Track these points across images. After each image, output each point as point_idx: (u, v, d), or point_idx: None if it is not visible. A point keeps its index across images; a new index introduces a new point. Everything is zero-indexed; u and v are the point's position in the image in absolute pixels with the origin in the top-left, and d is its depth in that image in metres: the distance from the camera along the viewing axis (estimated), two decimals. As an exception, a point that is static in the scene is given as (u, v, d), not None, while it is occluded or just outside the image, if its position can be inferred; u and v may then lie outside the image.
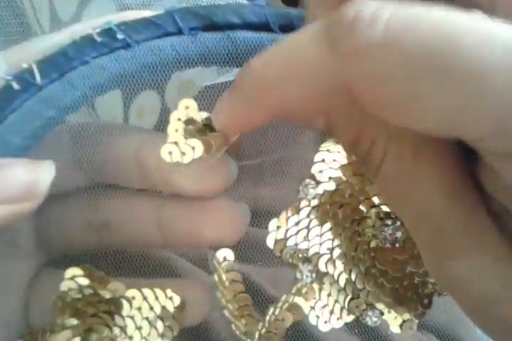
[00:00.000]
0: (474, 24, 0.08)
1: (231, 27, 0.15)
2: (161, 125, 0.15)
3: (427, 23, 0.08)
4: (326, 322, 0.16)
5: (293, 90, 0.09)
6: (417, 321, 0.16)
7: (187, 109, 0.14)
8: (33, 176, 0.13)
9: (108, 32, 0.14)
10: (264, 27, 0.15)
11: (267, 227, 0.15)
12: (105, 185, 0.15)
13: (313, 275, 0.15)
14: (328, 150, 0.16)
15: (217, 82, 0.15)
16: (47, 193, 0.13)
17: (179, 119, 0.14)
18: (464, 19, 0.08)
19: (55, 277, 0.15)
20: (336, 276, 0.16)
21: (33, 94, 0.14)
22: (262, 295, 0.16)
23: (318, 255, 0.15)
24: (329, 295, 0.16)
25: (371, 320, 0.16)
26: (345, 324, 0.17)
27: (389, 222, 0.15)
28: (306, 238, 0.15)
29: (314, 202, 0.15)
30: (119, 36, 0.14)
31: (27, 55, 0.14)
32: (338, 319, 0.16)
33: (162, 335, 0.14)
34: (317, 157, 0.15)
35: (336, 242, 0.16)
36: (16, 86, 0.14)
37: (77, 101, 0.14)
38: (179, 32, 0.15)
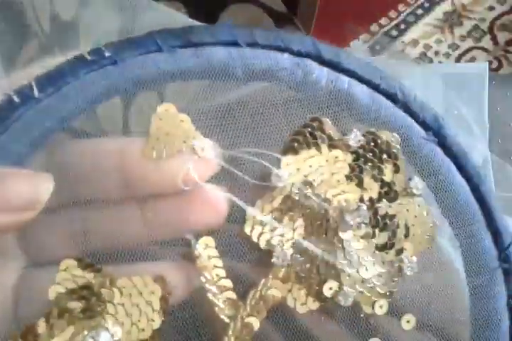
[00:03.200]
0: None
1: (205, 44, 0.17)
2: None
3: None
4: (302, 304, 0.17)
5: None
6: (388, 300, 0.18)
7: (166, 111, 0.16)
8: (34, 188, 0.14)
9: (97, 51, 0.16)
10: (233, 43, 0.18)
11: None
12: (81, 201, 0.16)
13: (289, 259, 0.17)
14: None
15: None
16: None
17: (161, 119, 0.16)
18: None
19: (42, 274, 0.16)
20: (309, 260, 0.17)
21: (32, 106, 0.16)
22: (244, 287, 0.17)
23: (293, 240, 0.17)
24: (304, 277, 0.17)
25: (344, 300, 0.17)
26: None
27: (353, 208, 0.17)
28: (280, 224, 0.17)
29: (286, 191, 0.17)
30: (107, 54, 0.16)
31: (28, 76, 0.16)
32: (313, 301, 0.17)
33: (152, 320, 0.16)
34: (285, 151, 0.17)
35: (309, 228, 0.17)
36: (16, 99, 0.16)
37: (71, 112, 0.16)
38: (159, 50, 0.17)
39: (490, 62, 0.54)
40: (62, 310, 0.15)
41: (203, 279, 0.16)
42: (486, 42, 0.56)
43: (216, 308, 0.16)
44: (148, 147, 0.15)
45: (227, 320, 0.16)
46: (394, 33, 0.55)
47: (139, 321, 0.16)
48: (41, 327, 0.15)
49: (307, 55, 0.18)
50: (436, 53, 0.55)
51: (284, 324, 0.17)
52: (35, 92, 0.16)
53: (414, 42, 0.55)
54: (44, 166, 0.16)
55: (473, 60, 0.55)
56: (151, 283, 0.16)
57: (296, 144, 0.17)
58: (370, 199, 0.18)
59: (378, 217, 0.18)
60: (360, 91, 0.18)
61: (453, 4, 0.55)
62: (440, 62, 0.53)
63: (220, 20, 0.48)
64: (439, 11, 0.56)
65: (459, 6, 0.55)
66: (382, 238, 0.18)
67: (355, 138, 0.18)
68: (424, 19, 0.56)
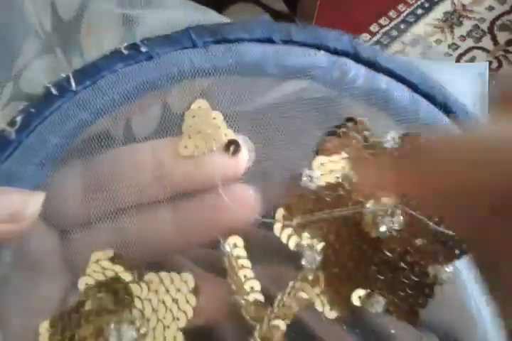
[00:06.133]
0: None
1: (239, 41, 0.17)
2: (163, 127, 0.17)
3: None
4: (331, 309, 0.16)
5: None
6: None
7: (199, 108, 0.16)
8: (23, 202, 0.14)
9: (133, 46, 0.17)
10: (267, 40, 0.17)
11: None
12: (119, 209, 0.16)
13: (318, 262, 0.16)
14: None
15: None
16: (35, 219, 0.14)
17: (194, 117, 0.15)
18: None
19: None
20: (340, 264, 0.17)
21: (69, 98, 0.16)
22: (272, 289, 0.17)
23: (323, 243, 0.16)
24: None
25: (376, 308, 0.16)
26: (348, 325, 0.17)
27: (386, 212, 0.17)
28: (311, 226, 0.16)
29: (317, 193, 0.16)
30: (143, 49, 0.16)
31: None
32: (343, 307, 0.16)
33: (177, 319, 0.15)
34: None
35: (341, 232, 0.17)
36: (54, 91, 0.16)
37: (106, 105, 0.16)
38: (194, 46, 0.17)
39: (490, 62, 0.53)
40: (91, 302, 0.15)
41: (229, 280, 0.16)
42: (486, 42, 0.54)
43: (242, 310, 0.16)
44: (180, 145, 0.15)
45: (253, 322, 0.16)
46: (394, 33, 0.55)
47: (164, 318, 0.15)
48: (70, 317, 0.15)
49: (344, 53, 0.18)
50: (437, 53, 0.54)
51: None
52: (73, 85, 0.16)
53: (414, 43, 0.54)
54: (80, 175, 0.16)
55: (473, 60, 0.54)
56: (177, 280, 0.15)
57: (329, 145, 0.17)
58: (405, 204, 0.17)
59: (414, 221, 0.17)
60: (399, 91, 0.18)
61: (453, 4, 0.53)
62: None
63: (220, 20, 0.48)
64: (439, 11, 0.55)
65: (459, 6, 0.54)
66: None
67: (392, 140, 0.17)
68: (424, 19, 0.55)
